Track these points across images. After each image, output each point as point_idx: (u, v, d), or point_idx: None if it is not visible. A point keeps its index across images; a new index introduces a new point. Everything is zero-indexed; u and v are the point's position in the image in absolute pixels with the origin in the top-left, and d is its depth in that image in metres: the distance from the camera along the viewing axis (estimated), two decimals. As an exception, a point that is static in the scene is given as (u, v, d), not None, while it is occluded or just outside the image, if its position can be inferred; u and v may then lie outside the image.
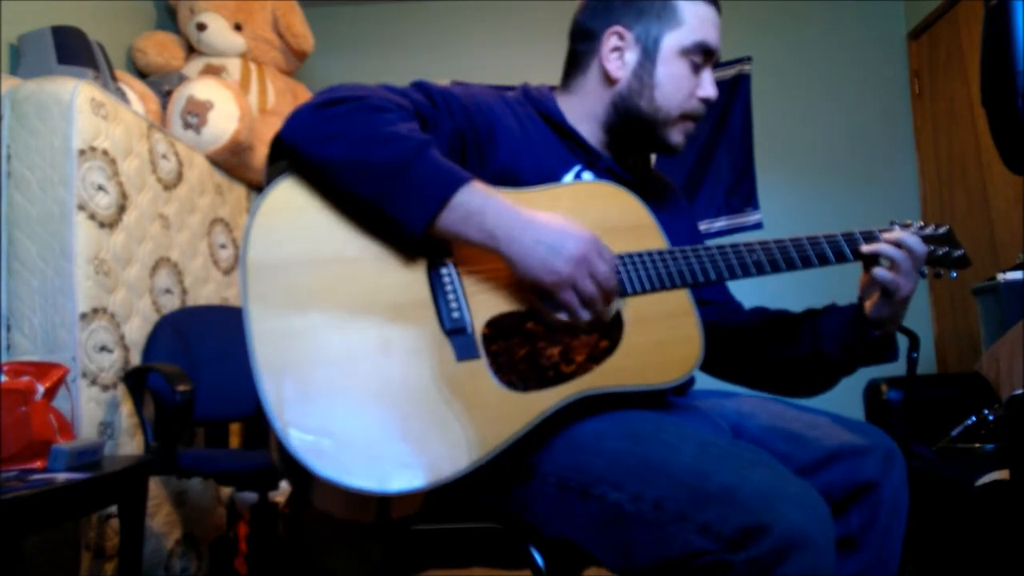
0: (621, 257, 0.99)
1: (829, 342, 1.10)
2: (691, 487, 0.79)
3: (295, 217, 0.90)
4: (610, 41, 1.12)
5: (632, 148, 1.18)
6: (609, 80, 1.13)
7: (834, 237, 1.08)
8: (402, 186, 0.87)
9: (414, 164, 0.87)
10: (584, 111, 1.15)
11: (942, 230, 1.15)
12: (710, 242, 1.08)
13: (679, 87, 1.11)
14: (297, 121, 0.91)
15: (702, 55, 1.11)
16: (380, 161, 0.87)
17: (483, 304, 0.93)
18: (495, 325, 0.92)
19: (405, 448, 0.81)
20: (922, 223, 1.15)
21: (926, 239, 1.11)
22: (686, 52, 1.10)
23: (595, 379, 0.92)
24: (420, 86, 1.04)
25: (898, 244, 1.05)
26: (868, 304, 1.08)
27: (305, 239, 0.89)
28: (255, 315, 0.84)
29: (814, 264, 1.07)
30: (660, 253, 1.01)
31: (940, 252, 1.13)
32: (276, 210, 0.90)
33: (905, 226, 1.13)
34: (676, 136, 1.14)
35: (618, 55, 1.12)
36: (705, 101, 1.13)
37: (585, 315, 0.93)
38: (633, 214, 1.05)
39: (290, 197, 0.91)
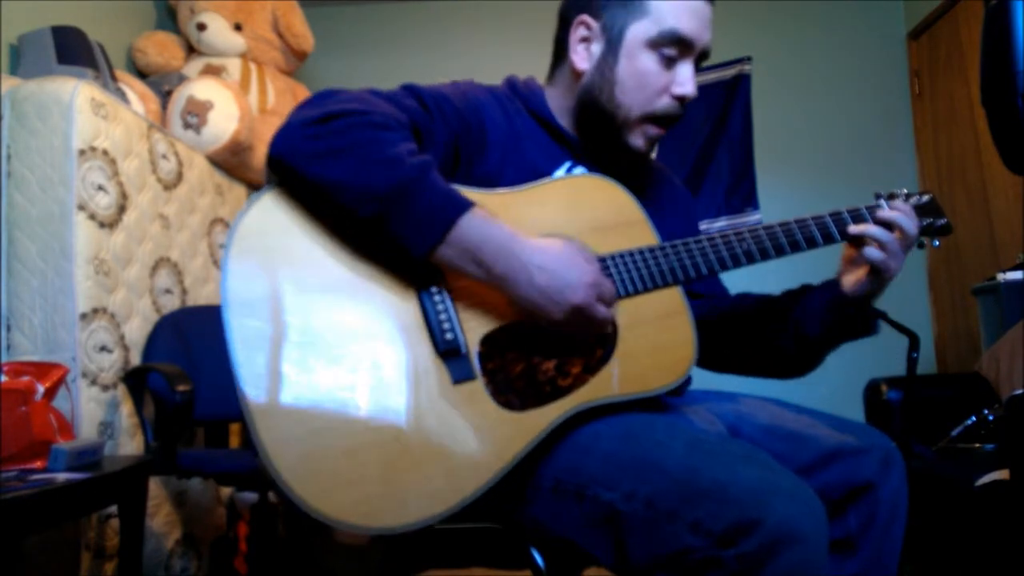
0: (612, 257, 0.98)
1: (810, 324, 1.09)
2: (682, 484, 0.79)
3: (274, 243, 0.85)
4: (577, 31, 1.07)
5: (604, 148, 1.11)
6: (575, 73, 1.08)
7: (822, 219, 1.07)
8: (402, 212, 0.84)
9: (415, 190, 0.84)
10: (562, 105, 1.11)
11: (925, 198, 1.15)
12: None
13: (643, 83, 1.03)
14: (292, 133, 0.86)
15: (676, 47, 1.01)
16: (381, 185, 0.83)
17: (476, 321, 0.90)
18: (490, 342, 0.90)
19: (408, 482, 0.80)
20: (907, 191, 1.14)
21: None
22: (653, 44, 1.02)
23: (592, 391, 0.91)
24: (411, 90, 1.00)
25: (889, 225, 1.04)
26: (851, 280, 1.07)
27: (286, 267, 0.85)
28: (240, 348, 0.81)
29: (803, 248, 1.06)
30: (651, 250, 0.99)
31: (924, 222, 1.12)
32: (253, 237, 0.85)
33: (890, 197, 1.11)
34: (636, 139, 1.06)
35: (585, 47, 1.07)
36: (680, 99, 1.04)
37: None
38: (624, 210, 1.03)
39: (267, 221, 0.86)
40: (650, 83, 1.03)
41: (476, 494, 0.81)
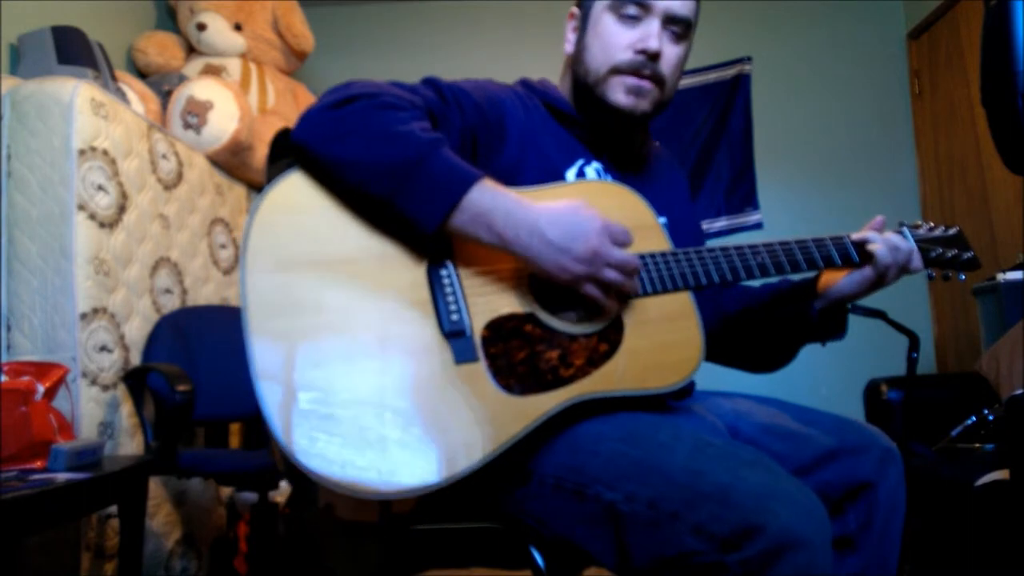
0: None
1: (784, 325, 1.14)
2: (685, 487, 0.79)
3: (296, 217, 0.90)
4: (569, 23, 1.16)
5: (601, 126, 1.14)
6: (568, 60, 1.16)
7: (841, 239, 1.08)
8: (414, 186, 0.87)
9: (426, 163, 0.87)
10: (565, 95, 1.17)
11: (952, 232, 1.14)
12: (713, 242, 1.07)
13: (605, 43, 1.08)
14: (310, 120, 0.91)
15: (633, 5, 1.06)
16: (393, 160, 0.87)
17: (483, 306, 0.92)
18: (494, 328, 0.91)
19: (403, 451, 0.81)
20: (931, 224, 1.14)
21: (934, 241, 1.11)
22: (612, 7, 1.08)
23: (593, 383, 0.92)
24: (431, 82, 1.04)
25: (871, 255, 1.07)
26: (835, 276, 1.10)
27: (305, 239, 0.89)
28: (254, 315, 0.83)
29: (819, 267, 1.07)
30: (664, 255, 1.00)
31: (949, 254, 1.12)
32: (277, 209, 0.89)
33: (915, 227, 1.13)
34: (615, 94, 1.08)
35: (573, 34, 1.15)
36: (643, 53, 1.06)
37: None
38: (639, 215, 1.04)
39: (291, 196, 0.91)
40: (611, 42, 1.08)
41: (467, 471, 0.82)
